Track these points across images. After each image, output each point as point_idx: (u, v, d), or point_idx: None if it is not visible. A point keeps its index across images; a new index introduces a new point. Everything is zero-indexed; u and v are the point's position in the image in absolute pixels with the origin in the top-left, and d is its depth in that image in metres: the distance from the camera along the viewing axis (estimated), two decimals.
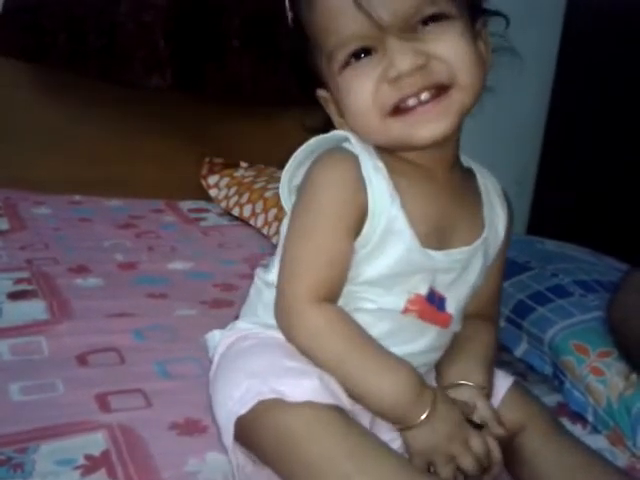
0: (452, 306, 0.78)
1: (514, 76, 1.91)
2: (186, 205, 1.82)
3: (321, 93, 0.77)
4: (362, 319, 0.74)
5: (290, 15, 0.78)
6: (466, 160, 0.83)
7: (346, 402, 0.70)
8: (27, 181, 1.78)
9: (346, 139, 0.75)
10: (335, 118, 0.77)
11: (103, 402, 0.86)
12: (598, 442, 0.88)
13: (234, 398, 0.70)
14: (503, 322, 1.11)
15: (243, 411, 0.68)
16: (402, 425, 0.70)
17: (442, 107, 0.69)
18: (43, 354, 0.98)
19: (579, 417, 0.95)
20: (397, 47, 0.67)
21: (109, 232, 1.55)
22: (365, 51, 0.69)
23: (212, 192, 1.85)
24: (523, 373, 1.06)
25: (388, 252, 0.73)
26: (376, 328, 0.74)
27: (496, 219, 0.82)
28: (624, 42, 1.74)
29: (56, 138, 1.92)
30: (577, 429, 0.92)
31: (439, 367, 0.81)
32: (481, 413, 0.74)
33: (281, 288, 0.75)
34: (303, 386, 0.67)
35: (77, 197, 1.78)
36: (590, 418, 0.94)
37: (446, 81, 0.68)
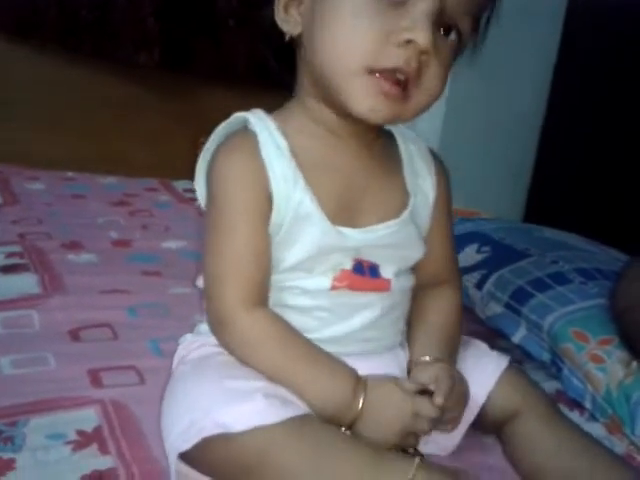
0: (390, 271, 0.75)
1: (513, 68, 1.91)
2: (181, 185, 1.80)
3: None
4: (296, 306, 0.73)
5: None
6: (389, 129, 0.79)
7: (297, 402, 0.68)
8: (21, 157, 1.76)
9: (246, 120, 0.72)
10: (280, 11, 0.71)
11: (95, 378, 0.85)
12: (595, 430, 0.87)
13: (175, 432, 0.67)
14: (501, 308, 1.10)
15: (185, 447, 0.65)
16: (345, 422, 0.68)
17: (392, 104, 0.66)
18: (34, 328, 0.96)
19: (577, 404, 0.94)
20: (427, 18, 0.64)
21: (103, 209, 1.53)
22: None
23: None
24: (520, 360, 1.05)
25: (302, 237, 0.70)
26: (314, 310, 0.73)
27: (422, 183, 0.79)
28: (624, 36, 1.73)
29: (51, 115, 1.90)
30: (574, 416, 0.90)
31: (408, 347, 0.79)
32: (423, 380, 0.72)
33: (209, 295, 0.73)
34: (247, 411, 0.64)
35: (70, 174, 1.75)
36: (588, 405, 0.93)
37: (410, 93, 0.66)
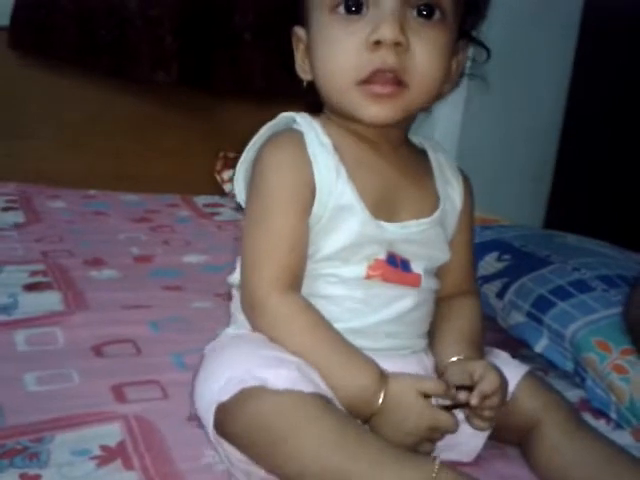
0: (419, 267, 0.79)
1: (531, 73, 1.90)
2: (201, 200, 1.82)
3: (298, 31, 0.78)
4: (329, 295, 0.75)
5: None
6: (421, 142, 0.85)
7: (325, 389, 0.69)
8: (43, 176, 1.78)
9: (293, 120, 0.77)
10: (299, 61, 0.79)
11: (119, 393, 0.85)
12: (623, 438, 0.86)
13: (214, 390, 0.68)
14: (523, 317, 1.09)
15: (225, 398, 0.66)
16: (363, 416, 0.70)
17: (392, 101, 0.71)
18: (58, 345, 0.97)
19: (602, 413, 0.93)
20: (389, 14, 0.69)
21: (124, 226, 1.55)
22: (357, 5, 0.70)
23: (227, 187, 1.84)
24: (544, 369, 1.04)
25: (341, 227, 0.74)
26: (347, 300, 0.75)
27: (451, 191, 0.83)
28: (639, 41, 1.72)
29: (71, 133, 1.92)
30: (601, 425, 0.89)
31: (433, 352, 0.81)
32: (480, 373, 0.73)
33: (244, 280, 0.76)
34: (282, 375, 0.66)
35: (92, 191, 1.78)
36: (613, 416, 0.92)
37: (406, 81, 0.71)
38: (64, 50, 1.89)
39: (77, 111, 1.92)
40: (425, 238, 0.79)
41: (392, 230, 0.76)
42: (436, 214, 0.80)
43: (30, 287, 1.15)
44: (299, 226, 0.74)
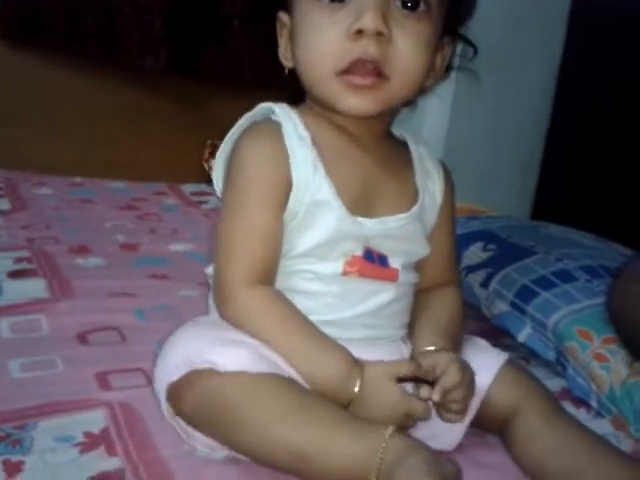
0: (397, 262, 0.78)
1: (520, 66, 1.91)
2: (188, 188, 1.82)
3: (282, 16, 0.78)
4: (306, 291, 0.75)
5: None
6: (402, 134, 0.85)
7: (289, 371, 0.70)
8: (32, 164, 1.77)
9: (271, 111, 0.76)
10: (282, 47, 0.78)
11: (103, 380, 0.85)
12: (603, 426, 0.87)
13: (169, 369, 0.70)
14: (507, 306, 1.10)
15: (174, 378, 0.68)
16: (341, 402, 0.70)
17: (372, 93, 0.71)
18: (43, 332, 0.97)
19: (583, 401, 0.94)
20: (372, 3, 0.68)
21: (110, 213, 1.54)
22: None
23: None
24: (526, 358, 1.05)
25: (317, 223, 0.74)
26: (323, 296, 0.75)
27: (431, 184, 0.83)
28: (627, 36, 1.73)
29: (58, 121, 1.92)
30: (581, 413, 0.90)
31: (411, 341, 0.81)
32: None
33: (217, 273, 0.76)
34: (238, 355, 0.67)
35: (78, 179, 1.77)
36: (594, 404, 0.93)
37: (387, 73, 0.70)
38: (53, 38, 1.88)
39: (66, 99, 1.92)
40: (403, 233, 0.79)
41: (369, 226, 0.76)
42: (414, 209, 0.79)
43: (15, 274, 1.15)
44: (273, 221, 0.73)
